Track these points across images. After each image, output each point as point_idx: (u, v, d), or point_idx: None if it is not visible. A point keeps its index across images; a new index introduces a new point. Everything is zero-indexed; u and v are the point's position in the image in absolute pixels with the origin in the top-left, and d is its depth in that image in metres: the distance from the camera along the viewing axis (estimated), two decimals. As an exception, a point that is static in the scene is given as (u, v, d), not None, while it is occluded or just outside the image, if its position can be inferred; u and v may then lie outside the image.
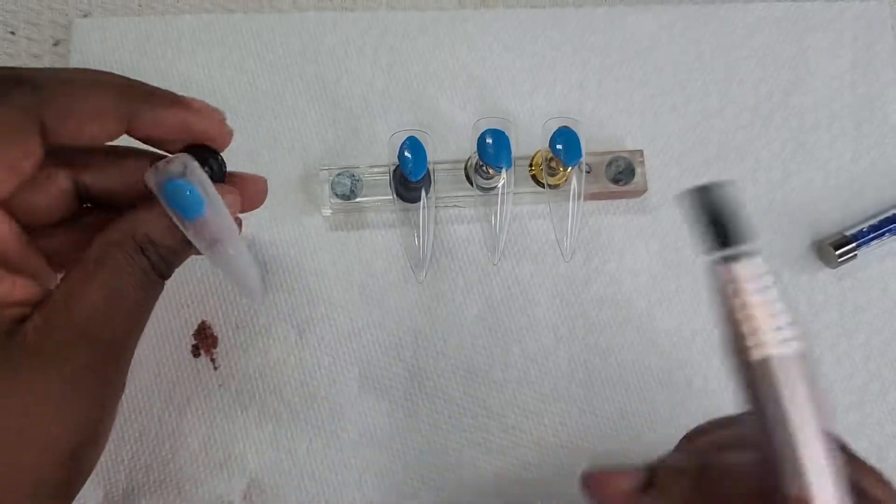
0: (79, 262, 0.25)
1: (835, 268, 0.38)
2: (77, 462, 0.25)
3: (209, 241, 0.26)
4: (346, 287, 0.37)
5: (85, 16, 0.40)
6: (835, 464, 0.20)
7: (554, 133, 0.34)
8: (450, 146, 0.39)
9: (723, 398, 0.36)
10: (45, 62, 0.40)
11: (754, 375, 0.20)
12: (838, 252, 0.37)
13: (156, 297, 0.26)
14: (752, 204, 0.39)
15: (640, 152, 0.37)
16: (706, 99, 0.40)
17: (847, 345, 0.37)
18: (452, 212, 0.38)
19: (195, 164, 0.25)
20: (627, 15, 0.40)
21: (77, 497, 0.36)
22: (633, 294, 0.38)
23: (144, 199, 0.25)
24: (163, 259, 0.26)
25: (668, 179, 0.39)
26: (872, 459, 0.36)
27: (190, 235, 0.25)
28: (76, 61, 0.39)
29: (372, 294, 0.37)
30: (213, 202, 0.25)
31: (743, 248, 0.20)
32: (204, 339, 0.37)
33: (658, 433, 0.36)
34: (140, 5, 0.41)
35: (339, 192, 0.36)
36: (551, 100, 0.39)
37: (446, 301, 0.37)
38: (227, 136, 0.27)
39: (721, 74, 0.40)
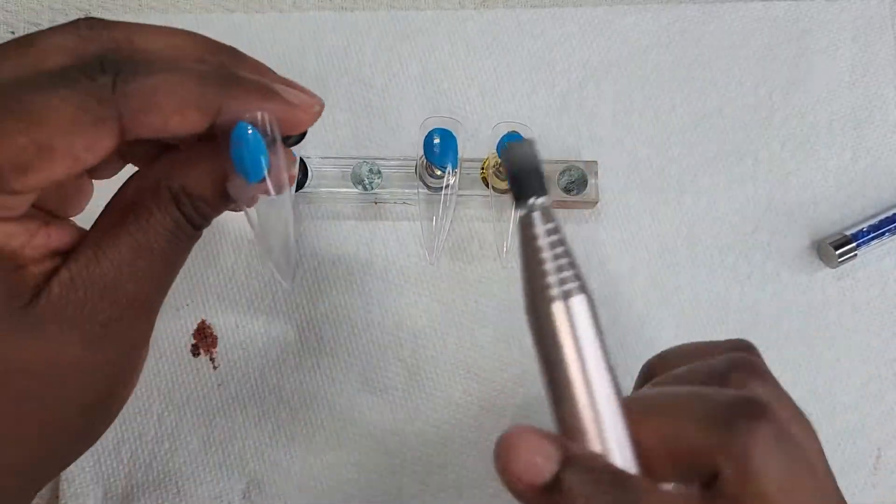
0: (110, 207, 0.24)
1: (834, 267, 0.38)
2: (92, 418, 0.25)
3: (254, 196, 0.24)
4: (346, 287, 0.37)
5: (85, 16, 0.40)
6: (618, 409, 0.20)
7: (502, 137, 0.33)
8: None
9: (722, 398, 0.36)
10: (46, 62, 0.40)
11: (539, 321, 0.21)
12: (838, 252, 0.37)
13: (188, 250, 0.25)
14: (751, 203, 0.39)
15: (595, 163, 0.37)
16: (706, 98, 0.40)
17: (846, 344, 0.37)
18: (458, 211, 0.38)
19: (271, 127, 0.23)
20: (627, 15, 0.40)
21: (76, 496, 0.36)
22: (632, 294, 0.38)
23: (185, 142, 0.24)
24: (198, 211, 0.24)
25: (667, 179, 0.39)
26: (871, 459, 0.36)
27: (235, 189, 0.24)
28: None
29: (371, 293, 0.37)
30: (276, 163, 0.23)
31: (538, 200, 0.21)
32: (203, 339, 0.37)
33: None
34: (140, 5, 0.41)
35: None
36: (551, 99, 0.39)
37: (446, 300, 0.37)
38: (311, 122, 0.25)
39: (720, 74, 0.40)
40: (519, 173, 0.22)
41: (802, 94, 0.40)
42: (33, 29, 0.40)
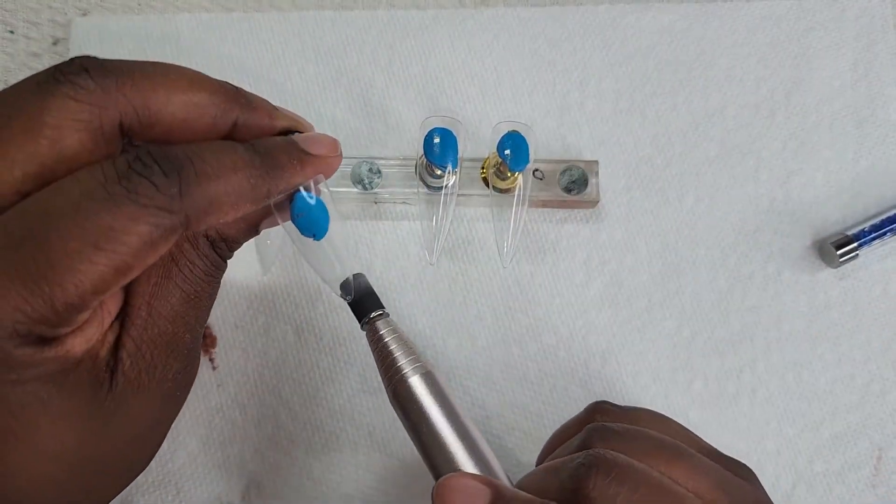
0: None
1: (836, 267, 0.37)
2: (152, 451, 0.26)
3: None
4: (346, 287, 0.37)
5: (84, 14, 0.40)
6: (478, 455, 0.25)
7: (502, 137, 0.33)
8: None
9: (723, 399, 0.36)
10: (44, 61, 0.40)
11: (400, 400, 0.26)
12: (840, 252, 0.37)
13: (220, 278, 0.26)
14: (753, 203, 0.38)
15: (596, 163, 0.37)
16: (707, 98, 0.39)
17: (848, 345, 0.37)
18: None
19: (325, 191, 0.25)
20: (628, 14, 0.40)
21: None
22: (633, 294, 0.37)
23: None
24: (230, 248, 0.26)
25: (668, 179, 0.39)
26: (873, 460, 0.36)
27: (270, 224, 0.26)
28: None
29: (371, 294, 0.37)
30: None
31: (377, 313, 0.27)
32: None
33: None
34: (139, 4, 0.41)
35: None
36: (552, 98, 0.39)
37: (446, 301, 0.37)
38: (340, 163, 0.26)
39: (722, 73, 0.40)
40: (359, 297, 0.27)
41: (804, 93, 0.40)
42: (32, 27, 0.40)
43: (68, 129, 0.20)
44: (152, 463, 0.35)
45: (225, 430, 0.36)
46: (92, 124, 0.20)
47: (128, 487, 0.35)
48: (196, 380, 0.36)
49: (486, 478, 0.24)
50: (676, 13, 0.40)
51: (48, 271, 0.19)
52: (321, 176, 0.25)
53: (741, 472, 0.25)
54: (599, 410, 0.27)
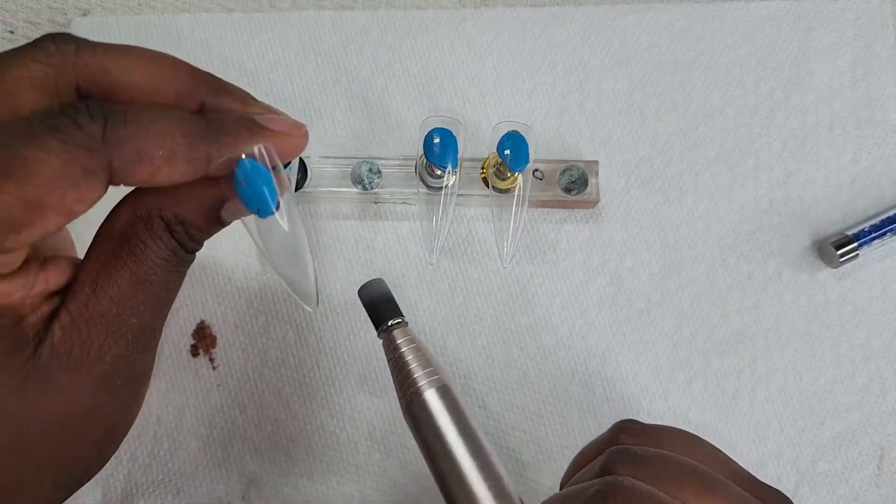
0: (102, 237, 0.23)
1: (836, 267, 0.37)
2: (102, 448, 0.25)
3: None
4: (346, 287, 0.37)
5: (84, 14, 0.40)
6: (494, 478, 0.24)
7: (502, 137, 0.33)
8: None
9: (723, 399, 0.36)
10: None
11: (414, 414, 0.25)
12: (840, 252, 0.37)
13: (184, 273, 0.25)
14: (753, 203, 0.38)
15: (596, 163, 0.37)
16: (707, 98, 0.39)
17: (848, 345, 0.37)
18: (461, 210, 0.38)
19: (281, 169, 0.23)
20: (628, 14, 0.40)
21: (75, 496, 0.36)
22: (633, 294, 0.37)
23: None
24: (192, 238, 0.24)
25: (668, 179, 0.39)
26: (875, 459, 0.36)
27: (231, 214, 0.24)
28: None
29: (371, 294, 0.37)
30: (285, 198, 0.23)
31: (396, 321, 0.27)
32: (203, 339, 0.37)
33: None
34: (140, 4, 0.41)
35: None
36: (552, 98, 0.39)
37: (445, 301, 0.37)
38: (304, 146, 0.25)
39: (721, 73, 0.40)
40: (377, 304, 0.27)
41: (803, 93, 0.40)
42: (32, 27, 0.40)
43: (24, 86, 0.21)
44: (152, 463, 0.35)
45: (225, 429, 0.36)
46: (46, 83, 0.21)
47: (127, 487, 0.35)
48: (196, 379, 0.36)
49: None
50: (676, 13, 0.40)
51: None
52: (278, 158, 0.23)
53: (777, 502, 0.23)
54: (625, 430, 0.25)
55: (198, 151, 0.22)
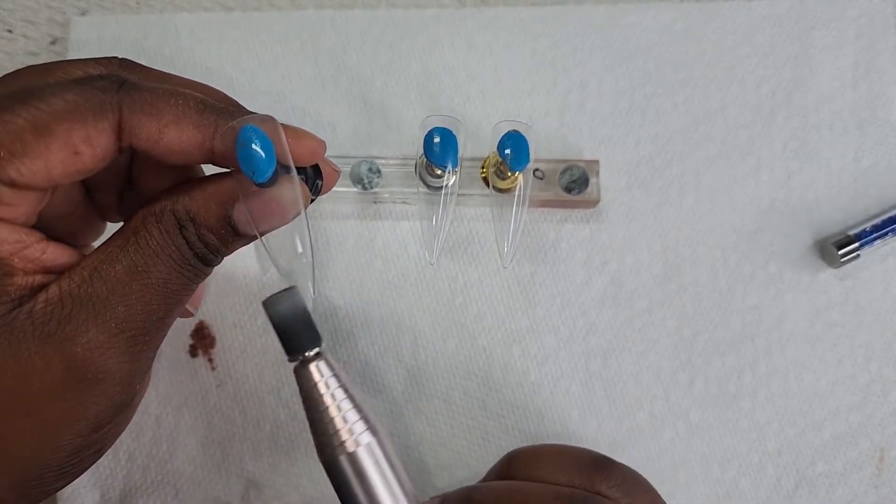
0: (116, 233, 0.23)
1: (837, 267, 0.37)
2: (80, 445, 0.23)
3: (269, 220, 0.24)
4: (346, 287, 0.37)
5: (83, 13, 0.40)
6: None
7: (502, 136, 0.33)
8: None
9: (724, 400, 0.36)
10: (42, 61, 0.40)
11: (335, 473, 0.22)
12: (841, 252, 0.37)
13: (193, 283, 0.24)
14: (754, 203, 0.38)
15: (597, 162, 0.37)
16: (708, 97, 0.39)
17: (849, 345, 0.37)
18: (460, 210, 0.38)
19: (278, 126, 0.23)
20: (629, 13, 0.40)
21: (73, 498, 0.36)
22: (634, 294, 0.37)
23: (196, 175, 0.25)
24: (204, 242, 0.23)
25: (669, 178, 0.39)
26: (875, 460, 0.36)
27: (242, 216, 0.23)
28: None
29: (371, 293, 0.37)
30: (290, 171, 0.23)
31: (314, 351, 0.22)
32: (201, 340, 0.36)
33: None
34: (138, 3, 0.40)
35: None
36: (552, 98, 0.39)
37: (446, 301, 0.37)
38: (320, 151, 0.26)
39: (723, 72, 0.40)
40: (287, 327, 0.22)
41: (805, 92, 0.39)
42: (30, 27, 0.40)
43: (78, 70, 0.23)
44: (150, 464, 0.35)
45: (224, 430, 0.36)
46: (97, 72, 0.24)
47: (126, 488, 0.35)
48: (195, 380, 0.36)
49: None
50: (676, 13, 0.40)
51: None
52: (290, 159, 0.23)
53: None
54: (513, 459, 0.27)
55: (207, 118, 0.23)
